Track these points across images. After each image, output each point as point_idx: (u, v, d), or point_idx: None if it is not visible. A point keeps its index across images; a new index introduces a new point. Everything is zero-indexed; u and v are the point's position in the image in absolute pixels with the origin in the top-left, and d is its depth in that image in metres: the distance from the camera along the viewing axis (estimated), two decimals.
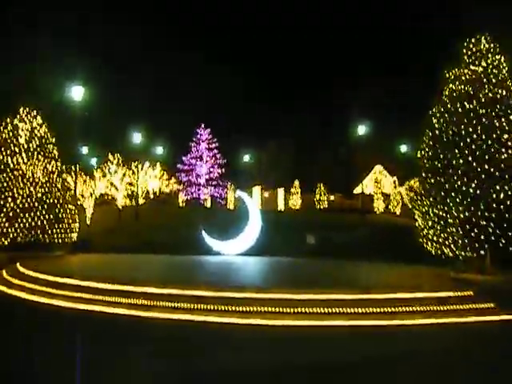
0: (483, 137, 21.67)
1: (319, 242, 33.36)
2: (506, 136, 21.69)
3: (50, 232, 29.85)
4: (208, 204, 68.41)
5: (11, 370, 11.20)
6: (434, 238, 22.73)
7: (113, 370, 11.46)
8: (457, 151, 21.90)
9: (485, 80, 22.83)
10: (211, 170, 69.59)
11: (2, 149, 30.32)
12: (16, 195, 29.44)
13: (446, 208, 21.93)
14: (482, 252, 21.48)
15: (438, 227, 22.40)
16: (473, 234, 21.30)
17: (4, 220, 29.25)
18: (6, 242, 29.21)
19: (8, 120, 30.95)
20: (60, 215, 30.49)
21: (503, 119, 21.94)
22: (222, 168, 69.90)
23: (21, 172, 30.00)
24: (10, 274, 23.85)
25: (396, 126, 70.04)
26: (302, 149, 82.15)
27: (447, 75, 24.03)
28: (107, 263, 27.62)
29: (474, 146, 21.65)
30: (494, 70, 23.01)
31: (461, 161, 21.75)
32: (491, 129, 21.75)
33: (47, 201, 30.09)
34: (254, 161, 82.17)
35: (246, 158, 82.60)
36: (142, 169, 62.57)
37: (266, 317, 16.40)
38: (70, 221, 31.32)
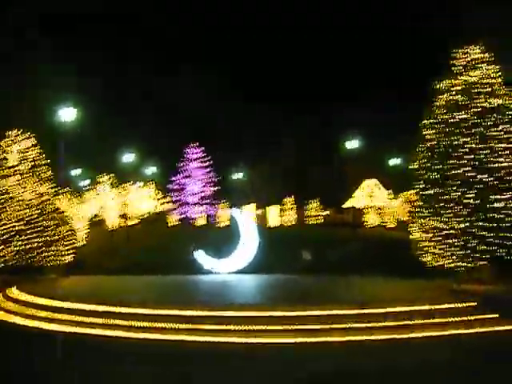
0: (479, 146, 21.57)
1: (314, 257, 33.07)
2: (501, 145, 21.60)
3: (43, 255, 29.45)
4: (202, 222, 68.01)
5: None
6: (433, 250, 22.49)
7: None
8: (453, 162, 21.78)
9: (477, 90, 22.76)
10: (204, 188, 69.30)
11: None
12: (8, 218, 29.07)
13: (444, 219, 21.76)
14: (483, 262, 21.30)
15: (437, 239, 22.19)
16: (472, 245, 21.12)
17: None
18: None
19: None
20: (53, 237, 30.11)
21: (498, 128, 21.84)
22: (215, 186, 69.64)
23: (13, 195, 29.64)
24: (4, 297, 23.55)
25: (386, 139, 69.84)
26: (294, 164, 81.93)
27: (439, 86, 23.93)
28: (101, 285, 27.33)
29: (470, 156, 21.53)
30: (486, 80, 22.95)
31: (458, 171, 21.61)
32: (486, 138, 21.64)
33: (40, 223, 29.71)
34: (247, 178, 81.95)
35: (239, 175, 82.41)
36: (133, 189, 62.14)
37: (265, 335, 16.17)
38: (63, 243, 30.93)
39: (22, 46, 59.46)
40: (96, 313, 18.81)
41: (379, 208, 65.24)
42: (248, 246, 29.72)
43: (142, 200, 65.58)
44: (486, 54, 23.62)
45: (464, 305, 18.48)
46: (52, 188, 31.79)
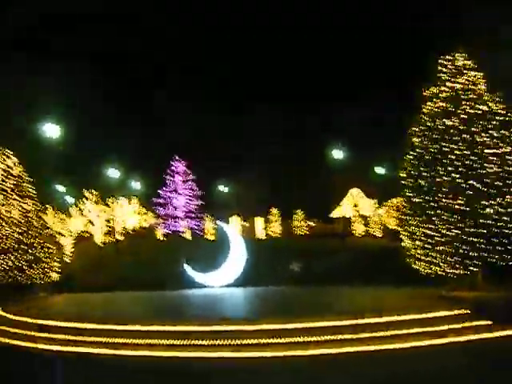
0: (467, 153, 21.57)
1: (303, 269, 32.94)
2: (488, 151, 21.60)
3: (29, 273, 29.02)
4: (187, 236, 67.77)
5: None
6: (423, 258, 22.43)
7: None
8: (440, 169, 21.77)
9: (463, 96, 22.82)
10: (188, 202, 69.13)
11: None
12: None
13: (433, 226, 21.71)
14: (473, 269, 21.25)
15: (427, 246, 22.12)
16: (462, 251, 21.07)
17: None
18: None
19: None
20: (39, 255, 29.71)
21: (485, 134, 21.86)
22: (200, 199, 69.49)
23: None
24: None
25: (371, 148, 69.94)
26: (278, 176, 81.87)
27: (425, 93, 23.98)
28: (90, 303, 27.00)
29: (457, 163, 21.53)
30: (471, 86, 23.03)
31: (445, 178, 21.60)
32: (474, 144, 21.66)
33: (25, 241, 29.31)
34: (231, 191, 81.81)
35: (223, 188, 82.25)
36: (119, 204, 61.89)
37: (257, 349, 15.99)
38: (49, 260, 30.55)
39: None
40: (86, 331, 18.54)
41: (365, 217, 65.35)
42: (236, 258, 29.52)
43: (127, 215, 65.34)
44: (471, 61, 23.74)
45: (456, 312, 18.43)
46: (37, 205, 31.36)
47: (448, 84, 23.32)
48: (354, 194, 70.31)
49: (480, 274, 21.58)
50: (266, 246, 49.16)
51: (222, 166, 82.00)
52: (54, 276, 30.94)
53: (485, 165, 21.53)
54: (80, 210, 57.41)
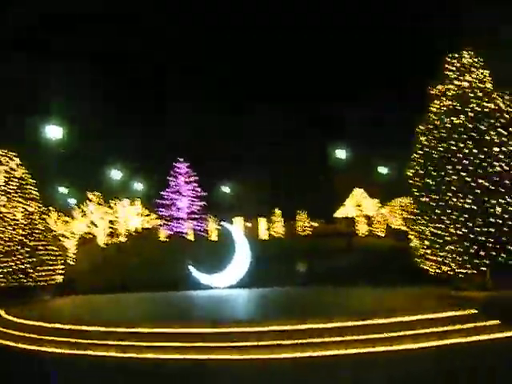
0: (474, 151, 21.33)
1: (309, 270, 32.67)
2: (496, 149, 21.38)
3: (33, 275, 28.83)
4: (191, 237, 67.63)
5: None
6: (432, 257, 22.18)
7: None
8: (449, 167, 21.53)
9: (471, 94, 22.60)
10: (191, 203, 69.07)
11: None
12: None
13: (442, 226, 21.47)
14: (482, 268, 21.02)
15: (436, 246, 21.88)
16: (472, 251, 20.83)
17: None
18: None
19: None
20: (43, 257, 29.52)
21: (493, 132, 21.63)
22: (203, 201, 69.44)
23: (0, 215, 29.05)
24: None
25: (374, 147, 69.80)
26: (280, 176, 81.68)
27: (432, 91, 23.78)
28: (94, 305, 26.82)
29: (466, 161, 21.29)
30: (479, 84, 22.83)
31: (454, 177, 21.37)
32: (482, 143, 21.42)
33: (29, 243, 29.13)
34: (234, 192, 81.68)
35: (226, 189, 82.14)
36: (121, 206, 61.72)
37: (265, 350, 15.81)
38: (54, 262, 30.35)
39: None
40: (90, 333, 18.37)
41: (369, 217, 65.19)
42: (241, 259, 29.32)
43: (129, 217, 65.22)
44: (477, 59, 23.54)
45: (465, 312, 18.24)
46: (40, 207, 31.17)
47: (455, 82, 23.12)
48: (358, 194, 70.08)
49: (489, 274, 21.34)
50: (269, 246, 48.91)
51: (223, 166, 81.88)
52: (58, 278, 30.76)
53: (493, 163, 21.29)
54: (83, 211, 57.21)
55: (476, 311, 18.33)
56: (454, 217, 21.18)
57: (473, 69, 23.26)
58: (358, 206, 66.25)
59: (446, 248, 21.46)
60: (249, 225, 67.80)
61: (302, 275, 31.74)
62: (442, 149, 22.10)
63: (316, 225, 72.31)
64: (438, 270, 22.23)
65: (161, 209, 69.21)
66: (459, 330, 17.12)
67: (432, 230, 21.93)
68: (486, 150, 21.37)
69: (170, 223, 68.20)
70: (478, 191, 21.00)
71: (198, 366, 15.14)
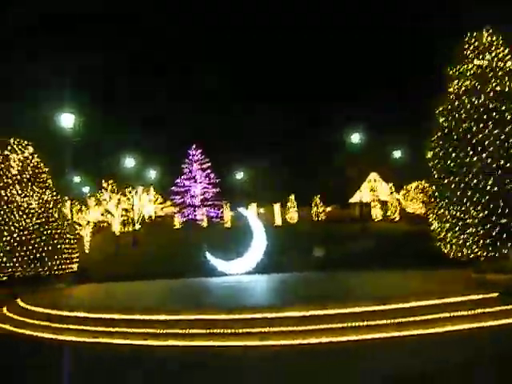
0: (495, 131, 20.87)
1: (326, 254, 32.42)
2: None
3: (49, 264, 28.75)
4: (204, 224, 67.57)
5: None
6: (453, 241, 21.82)
7: None
8: (469, 149, 21.10)
9: (491, 74, 22.11)
10: (205, 189, 68.98)
11: None
12: (12, 228, 28.40)
13: (463, 208, 21.09)
14: (504, 250, 20.64)
15: (457, 228, 21.51)
16: (494, 233, 20.44)
17: (1, 255, 28.13)
18: (4, 278, 28.10)
19: None
20: (59, 246, 29.43)
21: None
22: (217, 187, 69.35)
23: (16, 204, 28.96)
24: (10, 310, 22.96)
25: (388, 131, 69.53)
26: (295, 162, 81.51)
27: (451, 72, 23.29)
28: (111, 293, 26.67)
29: (486, 142, 20.84)
30: (499, 63, 22.33)
31: (474, 158, 20.93)
32: (502, 123, 20.95)
33: (44, 232, 29.03)
34: (248, 178, 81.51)
35: (240, 175, 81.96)
36: (136, 194, 61.65)
37: (287, 336, 15.58)
38: (70, 251, 30.26)
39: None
40: (109, 321, 18.22)
41: (383, 202, 64.86)
42: (258, 245, 29.08)
43: (143, 205, 65.21)
44: (496, 38, 23.02)
45: (487, 296, 17.96)
46: (55, 195, 31.03)
47: (475, 61, 22.63)
48: (372, 179, 69.74)
49: (511, 256, 20.96)
50: (284, 232, 48.70)
51: (237, 152, 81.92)
52: (74, 267, 30.68)
53: None
54: (97, 199, 57.21)
55: (498, 294, 18.05)
56: (475, 199, 20.78)
57: (492, 48, 22.75)
58: (372, 190, 65.88)
59: (468, 231, 21.10)
60: (262, 211, 67.63)
61: (318, 260, 31.52)
62: (462, 130, 21.67)
63: (329, 209, 72.14)
64: (458, 254, 21.89)
65: (175, 196, 69.24)
66: (481, 313, 16.82)
67: (453, 212, 21.56)
68: (507, 130, 20.91)
69: (184, 210, 68.20)
70: (499, 172, 20.57)
71: (219, 353, 14.92)
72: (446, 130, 22.33)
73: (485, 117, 21.18)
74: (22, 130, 32.33)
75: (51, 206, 30.22)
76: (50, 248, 28.89)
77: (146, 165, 73.49)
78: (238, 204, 48.88)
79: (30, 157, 30.57)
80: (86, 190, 71.63)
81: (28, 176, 29.92)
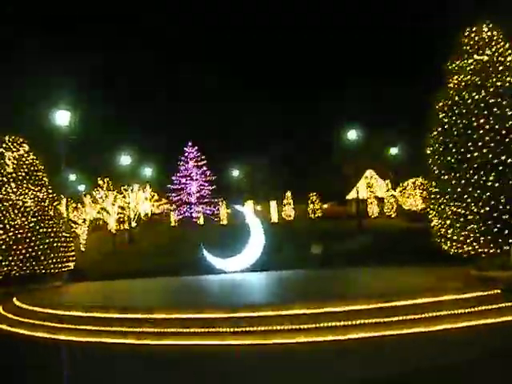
0: (496, 127, 20.67)
1: (324, 251, 32.23)
2: None
3: (45, 262, 28.50)
4: (201, 222, 67.55)
5: None
6: (454, 237, 21.62)
7: None
8: (470, 144, 20.89)
9: (491, 69, 21.91)
10: (201, 187, 68.97)
11: None
12: (7, 226, 28.11)
13: (464, 204, 20.88)
14: (506, 247, 20.46)
15: (457, 225, 21.31)
16: (495, 230, 20.25)
17: None
18: None
19: None
20: (55, 244, 29.17)
21: None
22: (213, 185, 69.35)
23: (11, 202, 28.68)
24: (6, 309, 22.76)
25: (384, 128, 69.63)
26: (292, 159, 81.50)
27: (451, 66, 23.07)
28: (108, 291, 26.51)
29: (487, 138, 20.63)
30: (499, 58, 22.10)
31: (475, 154, 20.72)
32: (504, 118, 20.74)
33: (40, 230, 28.76)
34: (244, 175, 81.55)
35: (236, 172, 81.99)
36: (132, 191, 61.52)
37: (286, 335, 15.41)
38: (66, 249, 30.00)
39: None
40: (105, 320, 18.03)
41: (380, 198, 65.00)
42: (256, 242, 28.89)
43: (139, 202, 65.14)
44: (496, 32, 22.81)
45: (489, 292, 17.85)
46: (51, 193, 30.75)
47: (475, 56, 22.41)
48: (369, 176, 69.82)
49: None
50: (281, 229, 48.64)
51: (233, 150, 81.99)
52: (70, 265, 30.44)
53: None
54: (93, 197, 57.05)
55: (499, 291, 17.95)
56: (476, 195, 20.57)
57: (492, 42, 22.53)
58: (368, 187, 65.98)
59: (468, 227, 20.90)
60: (259, 208, 67.65)
61: (316, 257, 31.34)
62: (462, 125, 21.45)
63: (325, 206, 72.24)
64: (459, 250, 21.70)
65: (171, 193, 69.23)
66: (482, 310, 16.74)
67: (453, 209, 21.35)
68: (508, 125, 20.70)
69: (180, 208, 68.17)
70: (501, 168, 20.37)
71: (219, 352, 14.80)
72: (446, 126, 22.08)
73: (485, 112, 20.96)
74: (17, 128, 32.03)
75: (47, 204, 29.93)
76: (45, 246, 28.61)
77: (142, 162, 73.46)
78: (234, 201, 48.86)
79: (26, 154, 30.25)
80: (81, 188, 71.51)
81: (23, 174, 29.61)
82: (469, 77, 22.09)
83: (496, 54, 22.23)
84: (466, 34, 23.06)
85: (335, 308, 16.50)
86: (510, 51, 22.38)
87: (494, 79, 21.52)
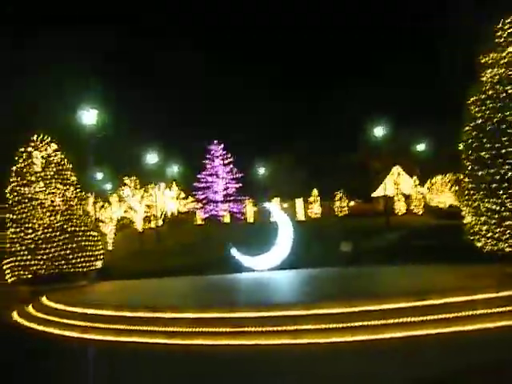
0: None
1: (353, 249, 31.83)
2: None
3: (73, 262, 28.51)
4: (227, 220, 67.51)
5: None
6: (488, 234, 21.11)
7: None
8: (504, 139, 20.37)
9: None
10: (228, 185, 68.90)
11: (19, 179, 29.09)
12: (36, 226, 28.23)
13: (499, 201, 20.38)
14: None
15: (492, 221, 20.81)
16: None
17: (25, 252, 27.99)
18: (28, 276, 27.94)
19: (22, 149, 29.70)
20: (83, 243, 29.18)
21: None
22: (239, 183, 69.23)
23: (39, 201, 28.75)
24: (35, 308, 22.80)
25: (411, 124, 68.97)
26: (318, 157, 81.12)
27: (485, 60, 22.51)
28: (137, 290, 26.38)
29: None
30: None
31: (510, 149, 20.19)
32: None
33: (68, 229, 28.79)
34: (270, 173, 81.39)
35: (262, 170, 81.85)
36: (159, 190, 61.61)
37: (319, 335, 15.13)
38: (93, 248, 29.99)
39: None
40: (135, 319, 17.90)
41: (406, 195, 64.45)
42: (284, 240, 28.57)
43: (166, 201, 65.23)
44: None
45: None
46: (78, 192, 30.77)
47: (509, 49, 21.80)
48: (395, 172, 69.13)
49: None
50: (308, 227, 48.29)
51: (259, 148, 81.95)
52: (98, 264, 30.42)
53: None
54: (120, 196, 57.15)
55: None
56: (511, 191, 20.10)
57: None
58: (395, 184, 65.33)
59: (504, 224, 20.41)
60: (285, 206, 67.36)
61: (346, 255, 30.97)
62: (496, 120, 20.91)
63: (352, 204, 71.87)
64: (494, 248, 21.18)
65: (197, 192, 69.25)
66: None
67: (487, 205, 20.86)
68: None
69: (206, 206, 68.15)
70: None
71: (251, 351, 14.62)
72: (480, 121, 21.55)
73: None
74: (45, 127, 32.05)
75: (74, 203, 29.96)
76: (73, 245, 28.64)
77: (168, 161, 73.60)
78: (260, 199, 48.66)
79: (54, 154, 30.29)
80: (108, 186, 71.86)
81: (51, 173, 29.65)
82: (503, 70, 21.52)
83: None
84: (499, 25, 22.48)
85: (369, 307, 16.21)
86: None
87: None
